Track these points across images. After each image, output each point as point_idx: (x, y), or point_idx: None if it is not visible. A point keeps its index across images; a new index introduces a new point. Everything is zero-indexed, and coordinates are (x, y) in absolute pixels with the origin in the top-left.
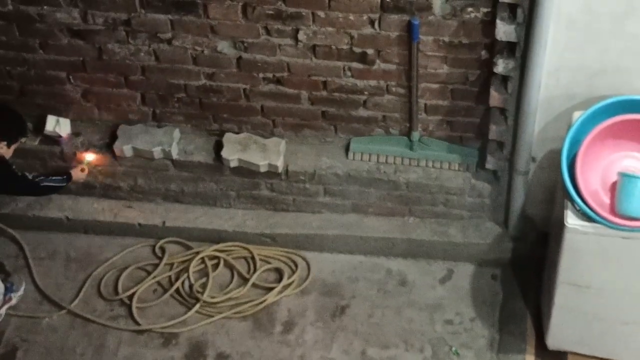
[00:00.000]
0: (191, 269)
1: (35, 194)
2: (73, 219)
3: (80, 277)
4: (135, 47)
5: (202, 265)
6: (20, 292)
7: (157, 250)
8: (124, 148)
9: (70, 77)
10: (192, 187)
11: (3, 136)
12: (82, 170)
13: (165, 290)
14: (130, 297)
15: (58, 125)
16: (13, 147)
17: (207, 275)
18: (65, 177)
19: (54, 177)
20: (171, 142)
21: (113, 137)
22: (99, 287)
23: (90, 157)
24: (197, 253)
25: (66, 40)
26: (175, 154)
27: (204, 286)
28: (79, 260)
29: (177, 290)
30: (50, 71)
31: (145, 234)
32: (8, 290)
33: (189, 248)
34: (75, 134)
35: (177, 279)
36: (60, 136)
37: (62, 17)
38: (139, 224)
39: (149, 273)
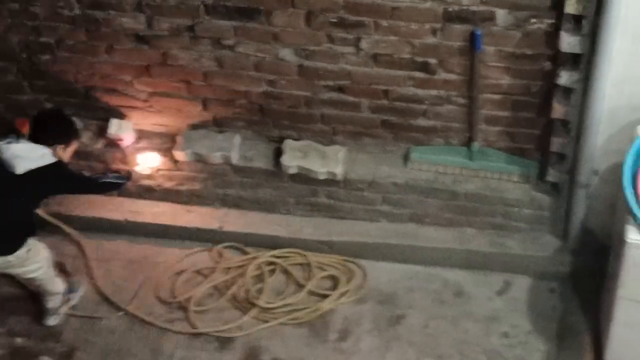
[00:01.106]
0: (248, 274)
1: (95, 191)
2: (133, 221)
3: (138, 279)
4: (199, 52)
5: (259, 271)
6: (80, 292)
7: (214, 254)
8: (185, 152)
9: (135, 81)
10: (251, 192)
11: (58, 139)
12: (143, 171)
13: (222, 295)
14: (187, 301)
15: (121, 129)
16: (69, 150)
17: (263, 280)
18: (124, 174)
19: (113, 174)
20: (231, 148)
21: (174, 142)
22: (157, 289)
23: (151, 159)
24: (254, 258)
25: (131, 45)
26: (235, 160)
27: (260, 291)
28: (137, 262)
29: (234, 295)
30: (116, 75)
31: (203, 238)
32: (68, 290)
33: (246, 253)
34: (137, 137)
35: (233, 284)
36: (122, 139)
37: (128, 22)
38: (197, 228)
39: (206, 277)
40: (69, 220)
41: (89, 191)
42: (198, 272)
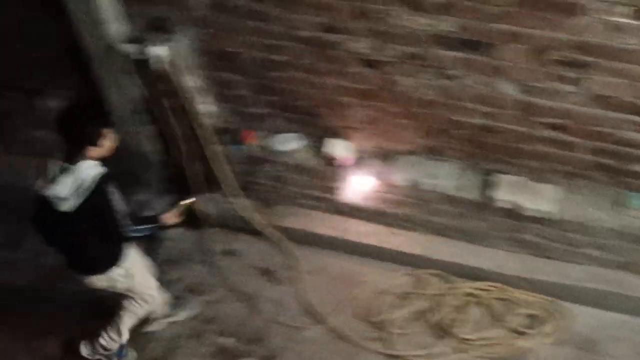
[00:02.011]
0: (447, 303)
1: (118, 238)
2: (342, 238)
3: (342, 295)
4: (421, 81)
5: (459, 301)
6: (189, 312)
7: (416, 279)
8: (398, 177)
9: (357, 103)
10: (458, 222)
11: (82, 143)
12: (178, 214)
13: (420, 320)
14: (386, 322)
15: (340, 149)
16: (105, 144)
17: (462, 311)
18: (155, 224)
19: (144, 226)
20: (442, 176)
21: (389, 165)
22: (358, 307)
23: (366, 180)
24: (455, 288)
25: (357, 68)
26: (445, 188)
27: (458, 322)
28: (342, 278)
29: (431, 322)
30: (338, 96)
31: (407, 262)
32: (175, 306)
33: (447, 282)
34: (352, 158)
35: (432, 311)
36: (341, 159)
37: (357, 46)
38: (402, 252)
39: (406, 301)
40: (284, 231)
41: (113, 233)
42: (399, 295)
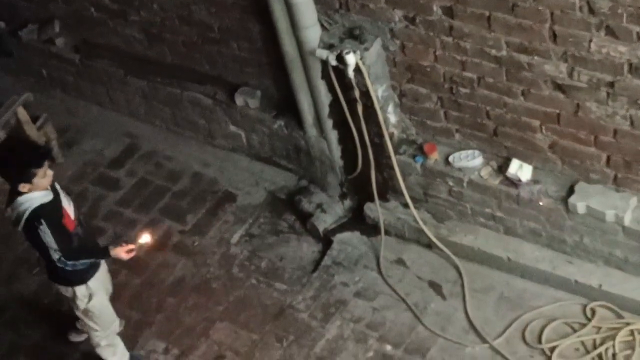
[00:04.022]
0: (618, 338)
1: (53, 267)
2: (514, 261)
3: (508, 317)
4: (613, 109)
5: (630, 337)
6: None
7: (587, 310)
8: (578, 204)
9: (543, 127)
10: (638, 257)
11: (14, 181)
12: (129, 252)
13: (587, 352)
14: (552, 350)
15: (520, 170)
16: (39, 179)
17: (633, 348)
18: (92, 261)
19: (75, 262)
20: (626, 209)
21: (570, 192)
22: (524, 331)
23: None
24: (628, 324)
25: (548, 91)
26: (627, 221)
27: (627, 358)
28: (511, 300)
29: (600, 356)
30: (526, 118)
31: (579, 292)
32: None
33: (620, 317)
34: (534, 181)
35: (601, 344)
36: (520, 180)
37: (550, 69)
38: (576, 281)
39: (574, 331)
40: (455, 246)
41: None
42: (568, 324)
